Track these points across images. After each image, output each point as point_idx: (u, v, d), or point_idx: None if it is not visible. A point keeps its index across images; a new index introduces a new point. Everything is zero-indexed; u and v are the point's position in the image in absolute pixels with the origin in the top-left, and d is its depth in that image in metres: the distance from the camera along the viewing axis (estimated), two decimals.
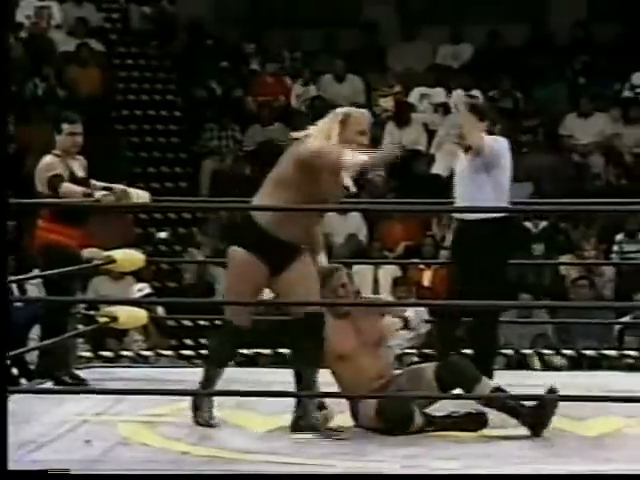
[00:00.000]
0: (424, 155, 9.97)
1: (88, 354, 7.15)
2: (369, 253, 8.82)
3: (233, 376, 4.44)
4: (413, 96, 10.54)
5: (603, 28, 10.70)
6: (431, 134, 10.10)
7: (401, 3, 11.49)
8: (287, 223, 4.13)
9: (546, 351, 7.57)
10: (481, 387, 4.16)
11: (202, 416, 4.23)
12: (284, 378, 4.33)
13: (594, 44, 10.68)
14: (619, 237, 8.83)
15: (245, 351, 7.72)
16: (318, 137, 4.12)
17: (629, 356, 7.46)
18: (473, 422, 4.18)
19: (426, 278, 8.47)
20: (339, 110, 4.21)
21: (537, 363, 7.45)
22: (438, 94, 10.42)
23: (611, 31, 10.65)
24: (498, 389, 4.19)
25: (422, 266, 8.50)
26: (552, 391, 4.13)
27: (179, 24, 11.41)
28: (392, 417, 4.12)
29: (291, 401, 4.23)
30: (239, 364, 7.60)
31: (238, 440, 4.07)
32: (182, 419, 4.35)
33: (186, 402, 4.56)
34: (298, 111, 10.65)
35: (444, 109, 10.20)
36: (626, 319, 7.81)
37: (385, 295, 4.62)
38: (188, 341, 8.27)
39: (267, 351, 7.60)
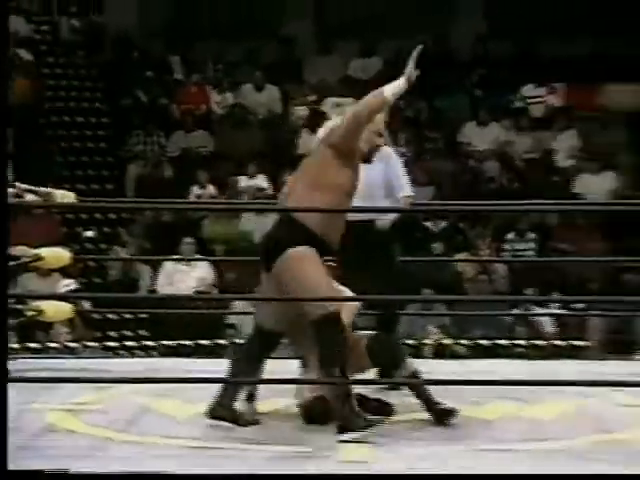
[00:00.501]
0: None
1: (15, 346, 7.04)
2: None
3: (157, 366, 4.39)
4: (326, 105, 10.57)
5: (498, 45, 10.92)
6: None
7: (317, 19, 11.60)
8: (330, 226, 3.96)
9: (447, 341, 7.67)
10: (404, 369, 4.09)
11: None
12: (204, 367, 4.30)
13: (490, 59, 10.88)
14: (510, 236, 8.99)
15: (169, 342, 7.70)
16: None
17: (520, 345, 7.62)
18: (383, 409, 4.16)
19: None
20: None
21: (430, 352, 7.53)
22: (349, 104, 10.48)
23: (505, 47, 10.88)
24: (415, 374, 4.13)
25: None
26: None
27: (107, 36, 11.30)
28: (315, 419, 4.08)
29: (215, 389, 4.16)
30: (163, 355, 7.60)
31: (162, 426, 4.03)
32: (108, 407, 4.31)
33: (112, 389, 4.50)
34: (219, 118, 10.65)
35: None
36: (516, 311, 7.98)
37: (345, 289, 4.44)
38: (112, 333, 8.22)
39: (188, 342, 7.57)
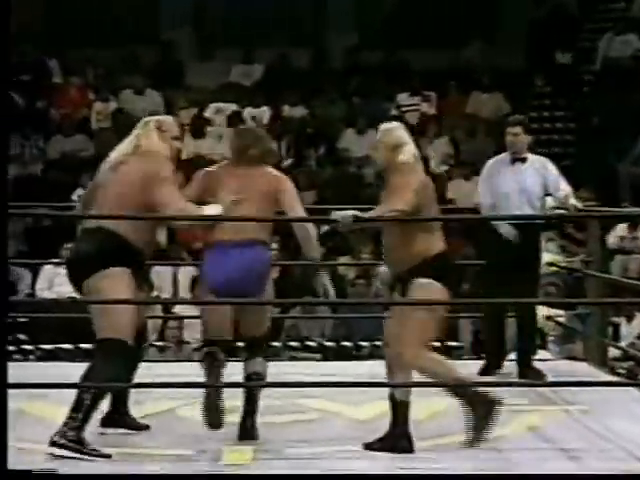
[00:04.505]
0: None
1: None
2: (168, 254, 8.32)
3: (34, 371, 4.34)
4: (209, 111, 10.18)
5: (371, 56, 10.71)
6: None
7: (198, 25, 11.23)
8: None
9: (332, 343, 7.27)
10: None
11: None
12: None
13: (365, 69, 10.65)
14: None
15: (46, 346, 7.26)
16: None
17: None
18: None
19: None
20: (148, 119, 3.90)
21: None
22: (231, 109, 10.03)
23: (378, 58, 10.69)
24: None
25: None
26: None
27: None
28: None
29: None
30: (40, 359, 7.09)
31: (37, 430, 3.78)
32: None
33: None
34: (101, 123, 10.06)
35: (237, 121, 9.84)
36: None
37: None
38: None
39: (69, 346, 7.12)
